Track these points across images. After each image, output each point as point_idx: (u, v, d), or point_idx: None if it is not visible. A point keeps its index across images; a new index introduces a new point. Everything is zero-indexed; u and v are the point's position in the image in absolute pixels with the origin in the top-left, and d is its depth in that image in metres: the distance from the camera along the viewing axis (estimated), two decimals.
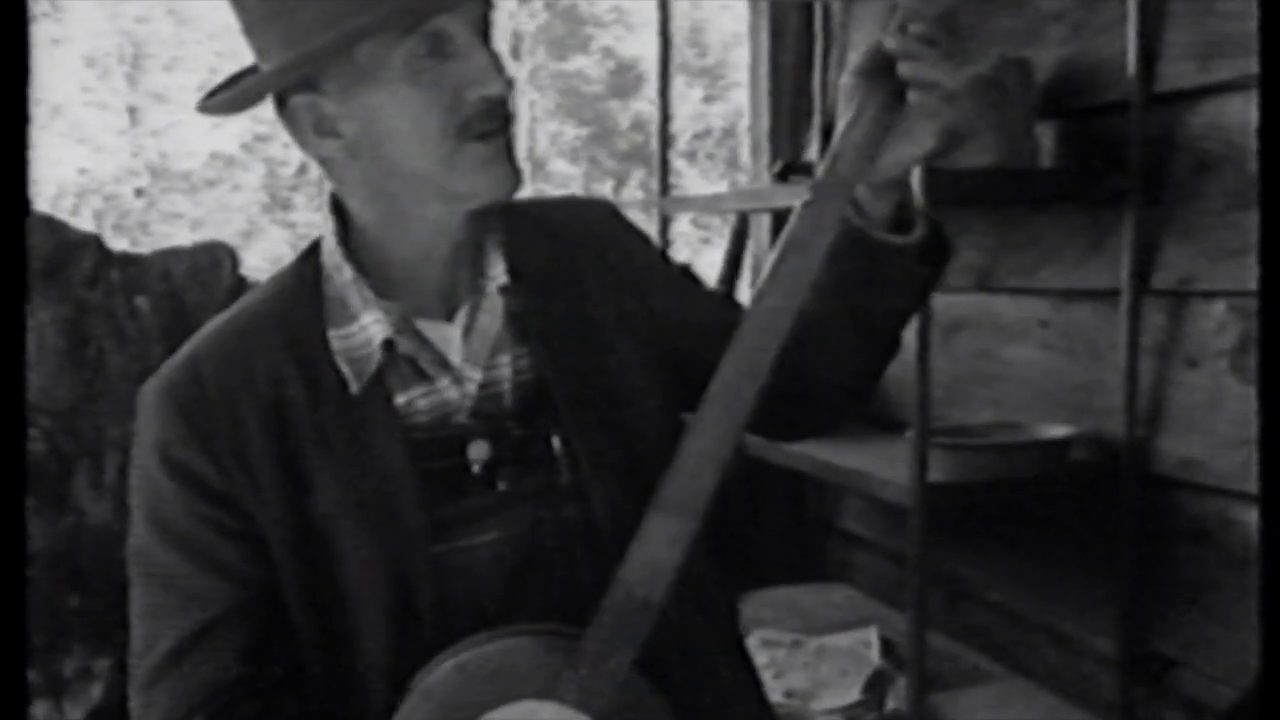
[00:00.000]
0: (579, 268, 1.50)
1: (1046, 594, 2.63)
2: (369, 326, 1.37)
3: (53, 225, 2.68)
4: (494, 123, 1.33)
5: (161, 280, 2.70)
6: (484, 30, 1.34)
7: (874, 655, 2.77)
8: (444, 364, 1.39)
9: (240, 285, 2.81)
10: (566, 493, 1.40)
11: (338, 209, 1.42)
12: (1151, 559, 2.32)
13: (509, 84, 1.32)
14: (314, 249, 1.45)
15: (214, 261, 2.78)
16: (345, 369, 1.36)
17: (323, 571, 1.34)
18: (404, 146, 1.32)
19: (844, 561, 3.47)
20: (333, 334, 1.38)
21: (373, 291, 1.37)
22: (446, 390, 1.39)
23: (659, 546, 1.30)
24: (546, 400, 1.41)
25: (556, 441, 1.40)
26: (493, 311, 1.40)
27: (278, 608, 1.35)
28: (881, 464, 2.56)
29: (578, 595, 1.35)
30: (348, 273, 1.38)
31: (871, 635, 2.86)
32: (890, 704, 2.60)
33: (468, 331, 1.40)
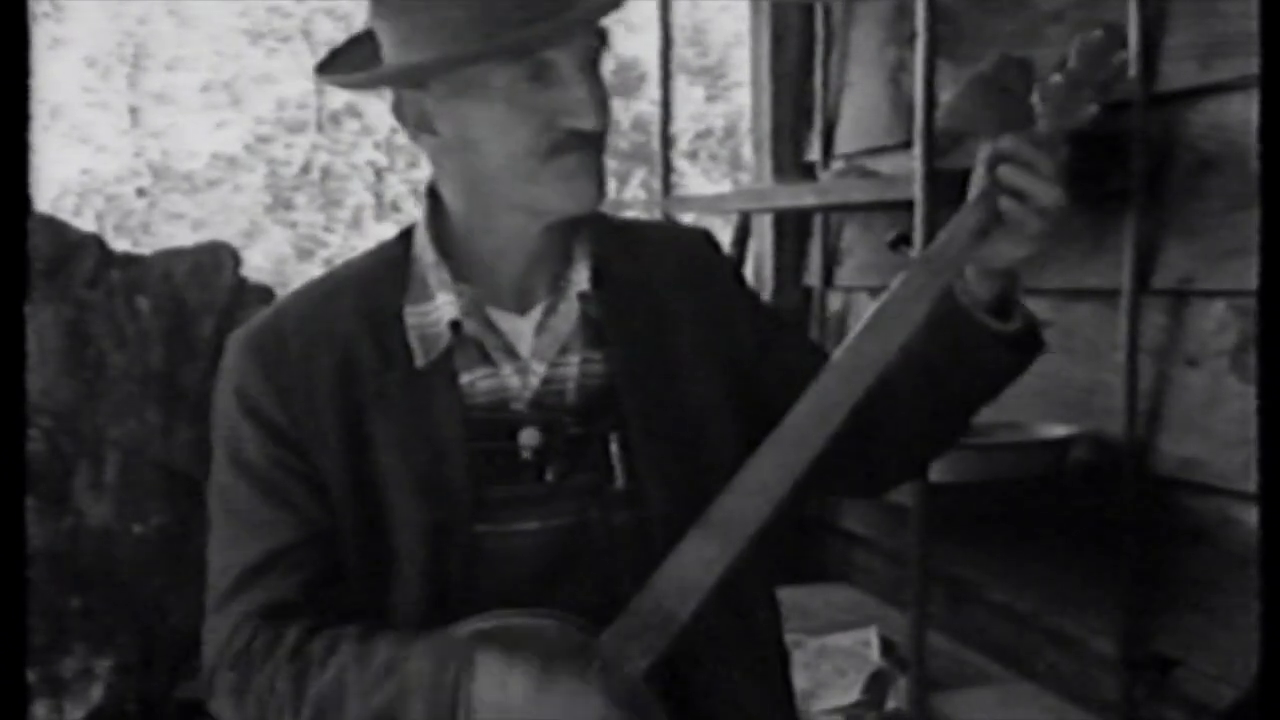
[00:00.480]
0: (667, 289, 1.54)
1: (1047, 593, 2.63)
2: (441, 306, 1.44)
3: (54, 225, 2.68)
4: (584, 143, 1.38)
5: (163, 281, 2.70)
6: (593, 62, 1.40)
7: (874, 655, 2.77)
8: (511, 352, 1.45)
9: (241, 286, 2.81)
10: (621, 498, 1.44)
11: (433, 194, 1.50)
12: (1152, 559, 2.32)
13: (607, 119, 1.39)
14: (409, 232, 1.54)
15: (215, 262, 2.77)
16: (415, 343, 1.44)
17: (372, 526, 1.42)
18: (490, 159, 1.39)
19: (845, 561, 3.47)
20: (409, 310, 1.46)
21: (450, 275, 1.45)
22: (509, 378, 1.45)
23: (694, 566, 1.34)
24: (612, 405, 1.46)
25: (615, 446, 1.45)
26: (568, 314, 1.47)
27: (336, 551, 1.42)
28: None
29: (617, 601, 1.36)
30: (430, 254, 1.47)
31: (872, 635, 2.86)
32: (891, 704, 2.60)
33: (540, 328, 1.46)
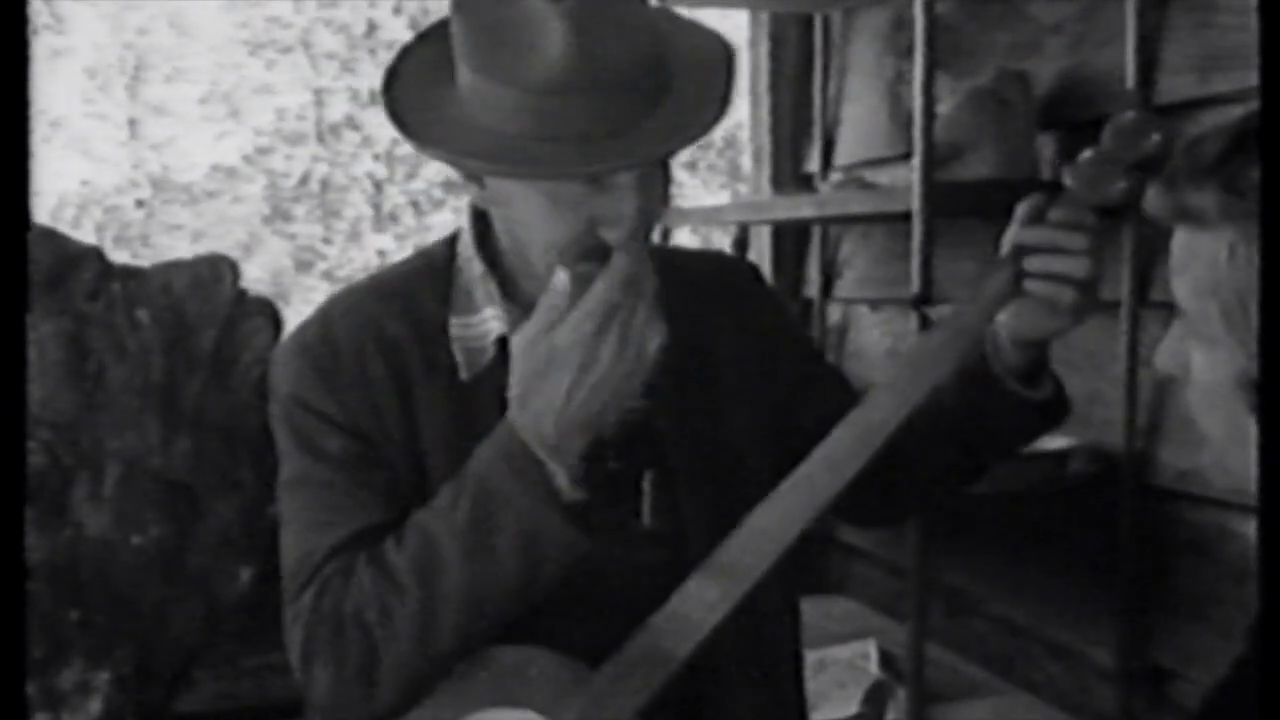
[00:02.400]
0: (710, 322, 1.54)
1: (1046, 606, 2.63)
2: (488, 320, 1.44)
3: (54, 238, 2.68)
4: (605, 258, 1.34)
5: (163, 293, 2.70)
6: (651, 172, 1.36)
7: (873, 667, 2.77)
8: None
9: (241, 298, 2.81)
10: (647, 537, 1.45)
11: (479, 212, 1.47)
12: (1150, 570, 2.32)
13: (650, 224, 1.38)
14: (455, 237, 1.52)
15: (215, 274, 2.77)
16: (459, 356, 1.43)
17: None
18: (526, 231, 1.37)
19: (843, 573, 3.46)
20: (454, 320, 1.45)
21: (498, 289, 1.44)
22: None
23: (696, 608, 1.33)
24: (649, 441, 1.45)
25: (647, 484, 1.44)
26: None
27: None
28: None
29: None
30: (478, 267, 1.45)
31: (870, 647, 2.85)
32: (890, 716, 2.60)
33: None
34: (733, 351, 1.54)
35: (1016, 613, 2.73)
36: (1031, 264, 1.40)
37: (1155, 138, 1.44)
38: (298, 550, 1.42)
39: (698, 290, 1.56)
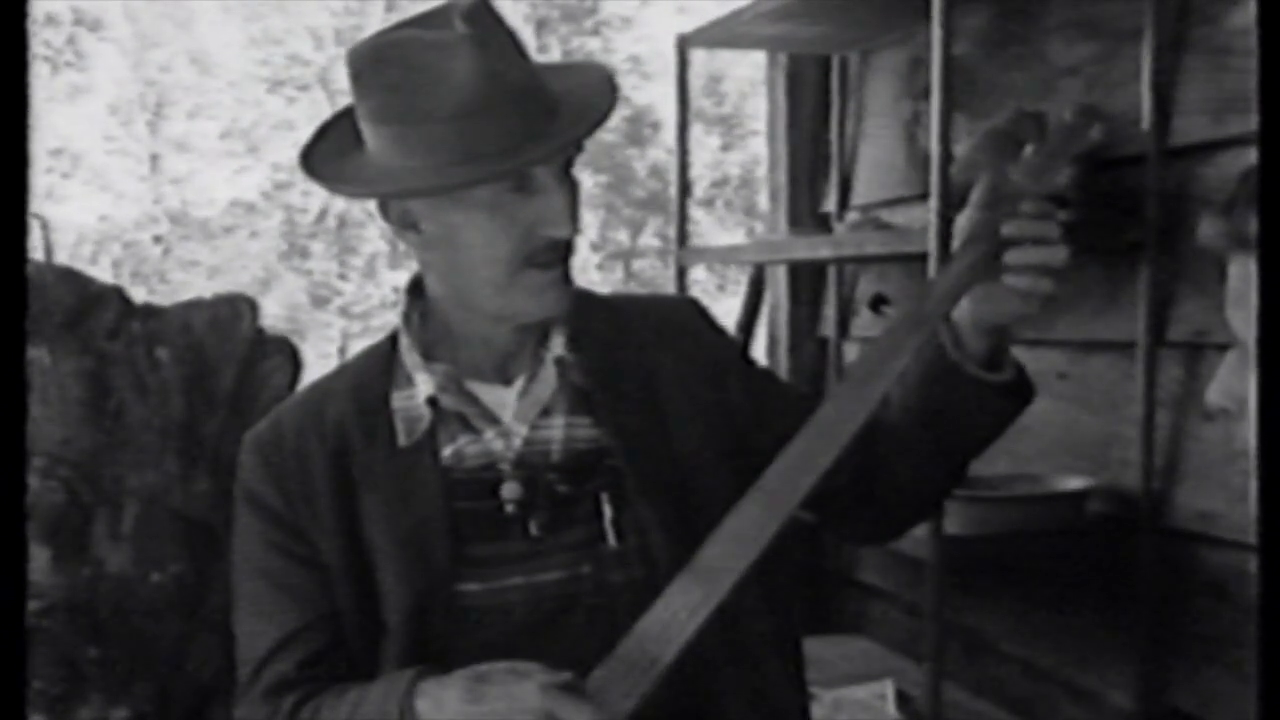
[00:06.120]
0: (654, 356, 1.60)
1: (1064, 647, 2.62)
2: (419, 386, 1.52)
3: (75, 278, 2.70)
4: (555, 256, 1.47)
5: (182, 332, 2.72)
6: (568, 167, 1.48)
7: (890, 708, 2.76)
8: (492, 420, 1.52)
9: (260, 337, 2.82)
10: (615, 556, 1.50)
11: (411, 291, 1.59)
12: (1169, 612, 2.31)
13: (577, 227, 1.47)
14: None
15: (234, 313, 2.79)
16: (399, 425, 1.53)
17: (365, 598, 1.49)
18: (470, 261, 1.46)
19: (860, 613, 3.46)
20: (396, 395, 1.55)
21: (421, 356, 1.54)
22: (492, 442, 1.51)
23: (679, 611, 1.36)
24: (601, 467, 1.52)
25: (607, 506, 1.50)
26: (547, 379, 1.53)
27: (337, 626, 1.50)
28: None
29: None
30: (405, 340, 1.56)
31: (888, 688, 2.85)
32: None
33: (522, 395, 1.53)
34: (678, 378, 1.59)
35: (1035, 654, 2.72)
36: (1014, 257, 1.43)
37: (1095, 131, 1.49)
38: (242, 640, 1.55)
39: (640, 328, 1.63)
